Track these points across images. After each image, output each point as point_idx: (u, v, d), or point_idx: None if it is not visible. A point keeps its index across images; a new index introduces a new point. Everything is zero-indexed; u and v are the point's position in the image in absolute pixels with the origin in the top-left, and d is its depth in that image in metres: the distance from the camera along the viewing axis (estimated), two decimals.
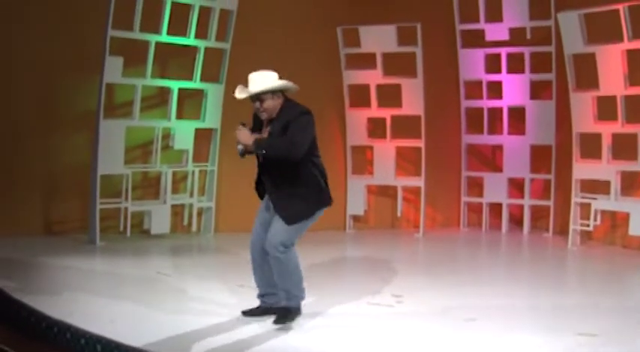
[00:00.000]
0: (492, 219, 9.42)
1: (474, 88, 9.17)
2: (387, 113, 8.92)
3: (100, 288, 5.89)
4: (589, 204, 7.97)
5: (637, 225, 7.61)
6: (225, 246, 7.98)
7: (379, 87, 8.85)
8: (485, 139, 9.25)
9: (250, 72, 8.37)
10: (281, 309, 5.04)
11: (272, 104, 4.91)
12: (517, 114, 9.05)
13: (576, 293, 6.42)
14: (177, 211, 8.45)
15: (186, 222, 8.41)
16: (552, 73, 8.68)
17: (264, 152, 4.83)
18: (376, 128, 9.03)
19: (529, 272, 7.23)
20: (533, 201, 9.10)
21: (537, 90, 8.92)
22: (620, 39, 7.49)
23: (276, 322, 4.96)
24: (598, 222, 7.95)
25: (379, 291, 6.00)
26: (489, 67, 9.01)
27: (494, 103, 9.09)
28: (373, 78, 8.84)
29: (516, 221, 9.40)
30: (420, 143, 8.84)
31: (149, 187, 8.45)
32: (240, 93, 4.97)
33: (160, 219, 8.06)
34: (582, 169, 8.03)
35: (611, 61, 7.58)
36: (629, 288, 6.56)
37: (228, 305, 5.44)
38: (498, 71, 8.96)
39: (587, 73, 7.82)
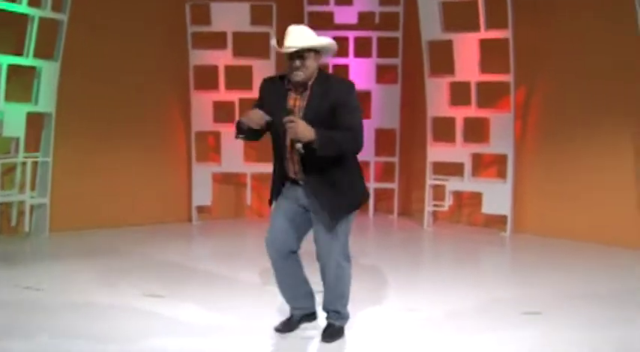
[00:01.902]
0: None
1: None
2: (235, 96, 8.47)
3: None
4: (440, 186, 8.27)
5: (489, 204, 8.01)
6: (60, 250, 7.10)
7: (228, 68, 8.37)
8: None
9: (89, 47, 7.70)
10: (332, 327, 4.45)
11: (313, 65, 4.08)
12: (363, 98, 9.05)
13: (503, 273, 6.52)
14: (2, 210, 7.34)
15: (14, 223, 7.32)
16: (399, 58, 8.81)
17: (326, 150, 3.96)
18: (224, 112, 8.55)
19: (411, 254, 7.27)
20: (378, 184, 9.22)
21: (383, 75, 9.01)
22: (477, 28, 7.78)
23: (325, 340, 4.39)
24: (451, 202, 8.26)
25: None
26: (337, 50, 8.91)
27: None
28: (222, 58, 8.32)
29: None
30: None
31: None
32: (287, 46, 3.99)
33: None
34: (436, 152, 8.26)
35: (466, 48, 7.85)
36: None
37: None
38: (345, 55, 8.90)
39: (442, 59, 8.04)
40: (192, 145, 8.51)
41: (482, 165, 8.30)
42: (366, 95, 9.01)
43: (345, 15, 8.71)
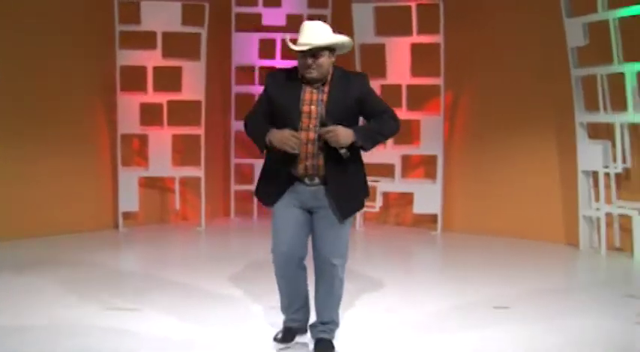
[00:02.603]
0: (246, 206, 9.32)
1: (247, 74, 8.95)
2: (163, 98, 8.21)
3: None
4: (373, 187, 8.40)
5: (420, 204, 8.23)
6: None
7: (157, 69, 8.09)
8: None
9: (4, 46, 7.20)
10: (324, 342, 4.25)
11: (327, 62, 4.00)
12: None
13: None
14: None
15: None
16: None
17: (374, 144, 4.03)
18: (151, 114, 8.26)
19: (369, 255, 7.24)
20: None
21: None
22: (409, 33, 7.99)
23: None
24: (381, 203, 8.42)
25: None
26: (262, 52, 8.86)
27: None
28: (151, 59, 8.04)
29: None
30: (200, 130, 8.34)
31: None
32: (301, 43, 3.92)
33: None
34: (367, 154, 8.32)
35: (399, 52, 8.04)
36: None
37: None
38: (272, 57, 8.85)
39: (374, 62, 8.17)
40: (118, 149, 8.15)
41: (410, 166, 8.53)
42: None
43: (274, 17, 8.68)
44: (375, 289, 5.83)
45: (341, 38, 4.05)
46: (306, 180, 4.08)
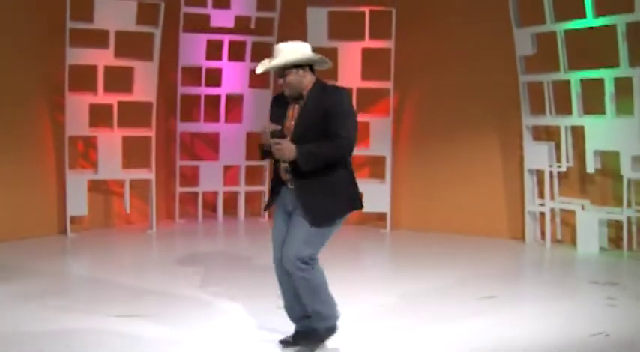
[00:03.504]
0: (191, 208, 9.28)
1: (193, 75, 8.88)
2: (114, 99, 8.00)
3: None
4: None
5: (370, 203, 8.25)
6: None
7: (108, 69, 7.88)
8: (202, 127, 9.04)
9: None
10: (305, 333, 4.37)
11: (295, 79, 4.17)
12: (235, 102, 9.09)
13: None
14: None
15: None
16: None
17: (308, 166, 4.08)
18: (102, 116, 8.03)
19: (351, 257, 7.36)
20: (249, 188, 9.26)
21: (255, 79, 9.08)
22: (361, 38, 8.24)
23: (300, 349, 4.30)
24: None
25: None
26: (209, 53, 8.82)
27: (213, 91, 8.95)
28: (103, 58, 7.82)
29: (212, 208, 9.44)
30: (151, 132, 8.21)
31: None
32: (259, 68, 4.20)
33: None
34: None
35: (350, 56, 8.27)
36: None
37: None
38: (219, 58, 8.83)
39: None
40: (66, 151, 7.86)
41: (356, 166, 8.75)
42: (238, 99, 9.06)
43: (222, 18, 8.66)
44: (367, 285, 6.07)
45: (298, 56, 4.16)
46: (288, 184, 4.30)
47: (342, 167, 4.24)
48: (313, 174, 4.14)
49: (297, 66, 4.16)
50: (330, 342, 4.40)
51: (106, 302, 5.37)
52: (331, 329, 4.35)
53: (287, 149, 4.08)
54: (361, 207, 4.32)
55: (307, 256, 4.13)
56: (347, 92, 4.30)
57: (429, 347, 4.59)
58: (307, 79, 4.21)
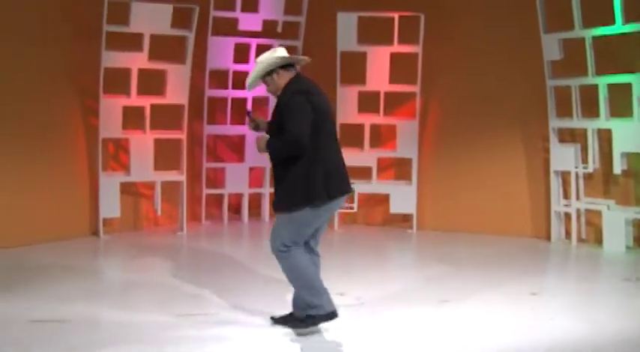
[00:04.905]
0: (215, 210, 9.38)
1: (220, 78, 8.98)
2: (147, 102, 8.09)
3: None
4: None
5: (396, 204, 8.67)
6: None
7: (141, 72, 7.97)
8: (229, 130, 9.14)
9: None
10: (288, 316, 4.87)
11: (273, 84, 4.79)
12: (261, 104, 9.20)
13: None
14: None
15: None
16: (298, 66, 9.07)
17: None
18: (133, 118, 8.11)
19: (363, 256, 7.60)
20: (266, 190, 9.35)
21: None
22: (390, 42, 8.41)
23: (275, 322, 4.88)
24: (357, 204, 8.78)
25: None
26: (237, 56, 8.93)
27: (239, 94, 9.05)
28: (137, 61, 7.90)
29: (235, 210, 9.56)
30: (182, 134, 8.31)
31: None
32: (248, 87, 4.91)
33: None
34: (345, 156, 8.66)
35: (379, 60, 8.43)
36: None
37: None
38: (246, 61, 8.94)
39: (353, 69, 8.53)
40: (99, 154, 7.93)
41: (381, 168, 8.93)
42: (264, 101, 9.16)
43: (250, 22, 8.78)
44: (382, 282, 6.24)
45: (263, 67, 4.72)
46: None
47: (306, 163, 4.57)
48: (278, 166, 4.67)
49: (269, 73, 4.71)
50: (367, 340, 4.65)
51: (168, 303, 5.49)
52: (312, 318, 4.66)
53: (261, 141, 4.67)
54: (321, 205, 4.56)
55: (279, 244, 4.63)
56: (297, 91, 4.64)
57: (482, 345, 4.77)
58: (283, 80, 4.74)
